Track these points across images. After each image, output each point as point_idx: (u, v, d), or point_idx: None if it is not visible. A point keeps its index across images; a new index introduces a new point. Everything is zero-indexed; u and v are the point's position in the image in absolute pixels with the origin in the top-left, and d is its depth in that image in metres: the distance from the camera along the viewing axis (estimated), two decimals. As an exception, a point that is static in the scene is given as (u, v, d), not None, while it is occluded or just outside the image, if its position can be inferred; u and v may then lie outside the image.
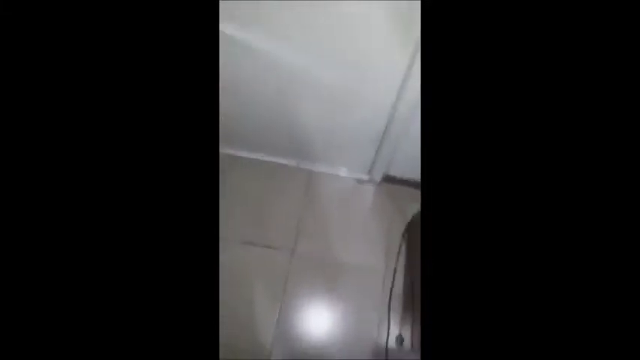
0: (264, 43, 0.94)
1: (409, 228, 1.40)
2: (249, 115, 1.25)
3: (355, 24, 0.84)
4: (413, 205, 1.38)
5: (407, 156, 1.27)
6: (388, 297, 1.32)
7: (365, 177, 1.48)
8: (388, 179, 1.45)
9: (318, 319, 1.31)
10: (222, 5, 0.67)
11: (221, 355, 1.12)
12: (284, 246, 1.39)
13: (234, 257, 1.36)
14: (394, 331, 1.28)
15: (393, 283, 1.34)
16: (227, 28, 0.89)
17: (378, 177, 1.44)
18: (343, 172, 1.50)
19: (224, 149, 1.50)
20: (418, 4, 0.67)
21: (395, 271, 1.36)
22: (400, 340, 1.26)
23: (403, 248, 1.39)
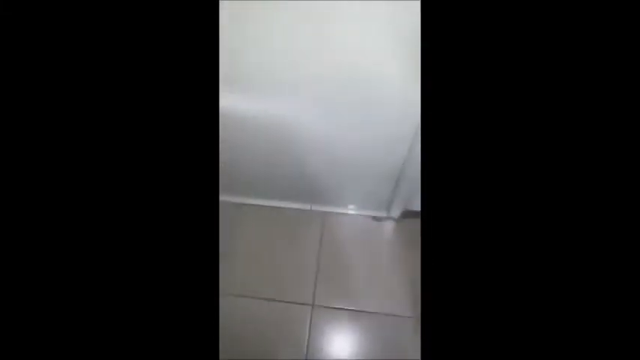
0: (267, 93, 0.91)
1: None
2: (254, 160, 1.20)
3: (368, 67, 0.80)
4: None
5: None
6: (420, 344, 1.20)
7: (383, 214, 1.40)
8: (408, 215, 1.37)
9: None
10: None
11: None
12: (303, 299, 1.29)
13: (251, 314, 1.26)
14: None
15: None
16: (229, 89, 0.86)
17: (396, 213, 1.36)
18: (358, 210, 1.42)
19: (230, 198, 1.44)
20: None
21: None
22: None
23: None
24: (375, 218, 1.41)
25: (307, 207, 1.44)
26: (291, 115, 0.97)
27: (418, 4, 0.63)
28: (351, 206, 1.42)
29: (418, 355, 1.19)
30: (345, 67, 0.81)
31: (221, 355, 0.84)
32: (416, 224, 1.38)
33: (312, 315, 1.27)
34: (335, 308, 1.27)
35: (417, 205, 1.32)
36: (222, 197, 1.44)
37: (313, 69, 0.82)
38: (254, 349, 1.21)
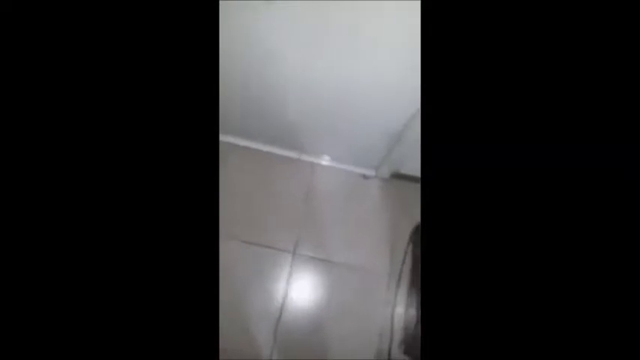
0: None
1: (417, 230, 1.33)
2: (249, 100, 1.13)
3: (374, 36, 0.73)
4: (423, 206, 1.30)
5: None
6: (392, 301, 1.26)
7: (372, 173, 1.39)
8: (398, 176, 1.36)
9: (320, 322, 1.24)
10: None
11: (221, 357, 1.05)
12: (285, 246, 1.30)
13: (231, 256, 1.26)
14: (397, 335, 1.23)
15: (397, 287, 1.28)
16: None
17: (386, 173, 1.35)
18: (348, 165, 1.40)
19: (222, 137, 1.37)
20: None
21: (400, 273, 1.30)
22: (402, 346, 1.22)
23: (410, 251, 1.32)
24: (364, 176, 1.40)
25: (296, 155, 1.40)
26: (284, 49, 0.89)
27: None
28: (340, 160, 1.40)
29: (388, 310, 1.26)
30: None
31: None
32: (403, 187, 1.38)
33: (292, 262, 1.29)
34: (314, 258, 1.30)
35: (407, 169, 1.31)
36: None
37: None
38: (231, 290, 1.23)
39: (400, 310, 1.26)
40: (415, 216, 1.34)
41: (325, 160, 1.40)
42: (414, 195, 1.35)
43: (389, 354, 1.21)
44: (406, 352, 1.21)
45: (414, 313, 1.24)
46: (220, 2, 0.77)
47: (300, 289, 1.27)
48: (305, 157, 1.40)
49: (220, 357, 1.12)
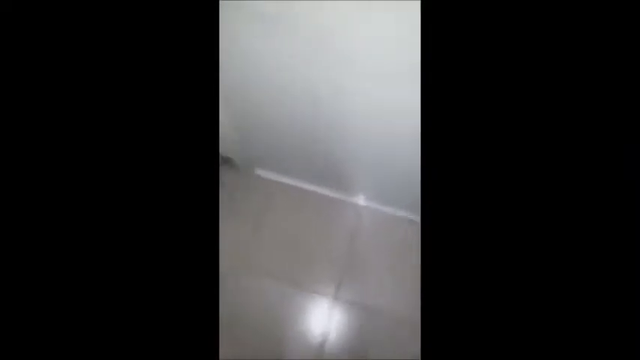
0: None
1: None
2: (297, 138, 1.16)
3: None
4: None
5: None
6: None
7: (418, 218, 1.36)
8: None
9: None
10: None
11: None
12: (326, 290, 1.28)
13: (270, 297, 1.26)
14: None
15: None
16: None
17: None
18: (395, 210, 1.38)
19: (269, 174, 1.43)
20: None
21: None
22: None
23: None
24: (410, 221, 1.37)
25: (344, 197, 1.41)
26: (341, 89, 0.91)
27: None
28: (388, 205, 1.39)
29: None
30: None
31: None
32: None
33: (333, 309, 1.26)
34: (356, 304, 1.26)
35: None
36: (258, 171, 1.43)
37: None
38: (269, 334, 1.22)
39: None
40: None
41: (372, 203, 1.40)
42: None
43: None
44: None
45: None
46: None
47: (339, 336, 1.23)
48: (352, 199, 1.41)
49: None
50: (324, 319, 1.25)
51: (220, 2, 0.67)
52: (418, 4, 0.61)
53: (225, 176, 1.41)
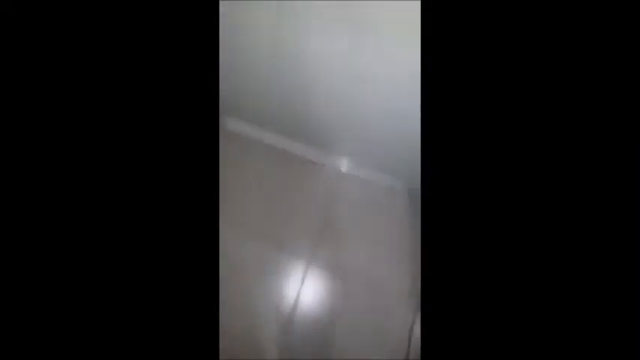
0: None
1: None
2: (275, 92, 1.11)
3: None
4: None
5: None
6: (411, 320, 1.20)
7: (400, 184, 1.34)
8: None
9: (330, 336, 1.20)
10: None
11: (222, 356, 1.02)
12: (301, 251, 1.28)
13: (245, 255, 1.25)
14: (413, 356, 1.16)
15: (418, 305, 1.22)
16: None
17: (414, 186, 1.30)
18: (377, 174, 1.36)
19: (245, 127, 1.38)
20: None
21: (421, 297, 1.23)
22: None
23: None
24: (391, 188, 1.36)
25: (322, 159, 1.38)
26: (322, 48, 0.88)
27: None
28: (368, 168, 1.36)
29: (406, 325, 1.19)
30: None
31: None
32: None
33: (308, 267, 1.26)
34: (330, 266, 1.26)
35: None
36: (234, 124, 1.38)
37: None
38: (240, 290, 1.21)
39: (418, 329, 1.19)
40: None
41: (353, 167, 1.38)
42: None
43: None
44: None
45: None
46: (244, 1, 0.78)
47: (312, 299, 1.24)
48: (332, 161, 1.38)
49: (221, 356, 1.11)
50: (296, 281, 1.26)
51: None
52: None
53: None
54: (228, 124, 1.39)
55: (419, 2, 0.65)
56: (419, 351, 1.17)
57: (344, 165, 1.38)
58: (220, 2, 0.85)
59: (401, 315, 1.22)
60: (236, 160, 1.37)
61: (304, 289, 1.24)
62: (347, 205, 1.34)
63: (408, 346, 1.17)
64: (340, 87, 0.99)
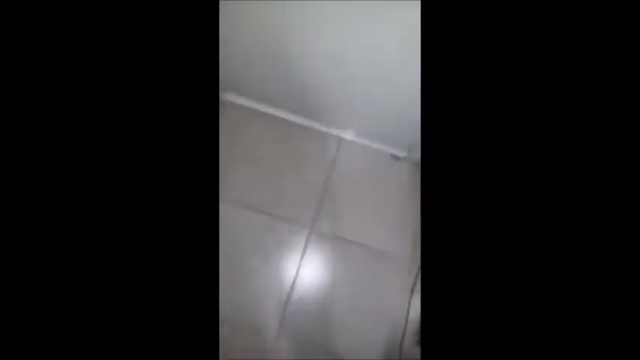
0: None
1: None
2: (272, 65, 1.04)
3: None
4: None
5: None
6: (411, 289, 1.21)
7: (403, 153, 1.30)
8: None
9: (331, 305, 1.21)
10: None
11: (224, 336, 1.04)
12: (303, 220, 1.26)
13: (245, 225, 1.23)
14: (413, 325, 1.18)
15: (418, 274, 1.22)
16: None
17: (418, 157, 1.26)
18: (378, 144, 1.32)
19: (243, 100, 1.32)
20: None
21: (420, 267, 1.23)
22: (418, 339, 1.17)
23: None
24: (393, 156, 1.32)
25: (322, 128, 1.32)
26: (304, 16, 0.80)
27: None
28: (369, 137, 1.31)
29: (405, 296, 1.20)
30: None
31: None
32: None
33: (309, 238, 1.25)
34: (331, 236, 1.25)
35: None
36: (231, 98, 1.31)
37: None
38: (240, 260, 1.21)
39: (418, 299, 1.20)
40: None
41: (353, 135, 1.32)
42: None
43: (401, 343, 1.17)
44: (420, 342, 1.16)
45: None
46: None
47: (313, 268, 1.23)
48: (333, 130, 1.32)
49: (223, 333, 1.12)
50: (299, 248, 1.25)
51: None
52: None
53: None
54: (225, 95, 1.32)
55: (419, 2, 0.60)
56: (418, 320, 1.18)
57: (345, 134, 1.33)
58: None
59: (401, 283, 1.22)
60: (232, 129, 1.31)
61: (305, 261, 1.23)
62: (348, 175, 1.30)
63: (407, 314, 1.18)
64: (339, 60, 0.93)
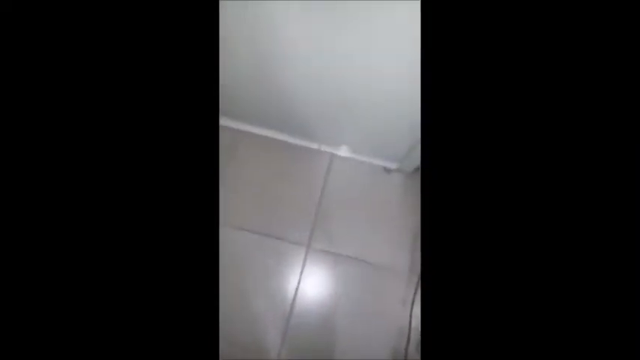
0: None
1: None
2: (263, 88, 1.08)
3: None
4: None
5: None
6: (411, 300, 1.21)
7: (394, 166, 1.33)
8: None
9: (333, 320, 1.21)
10: None
11: (225, 355, 1.03)
12: (299, 239, 1.27)
13: (242, 248, 1.24)
14: (415, 335, 1.18)
15: (417, 285, 1.23)
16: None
17: (409, 167, 1.28)
18: (369, 157, 1.34)
19: (233, 123, 1.35)
20: None
21: (421, 275, 1.24)
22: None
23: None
24: (385, 169, 1.34)
25: (314, 145, 1.35)
26: (298, 36, 0.84)
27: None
28: (361, 152, 1.34)
29: (406, 306, 1.21)
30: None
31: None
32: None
33: (306, 257, 1.26)
34: (329, 252, 1.26)
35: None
36: (222, 121, 1.34)
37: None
38: (239, 284, 1.21)
39: (419, 309, 1.21)
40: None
41: (344, 151, 1.35)
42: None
43: (405, 355, 1.17)
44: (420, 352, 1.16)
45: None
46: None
47: (313, 285, 1.24)
48: (323, 148, 1.35)
49: (226, 353, 1.11)
50: (297, 267, 1.26)
51: None
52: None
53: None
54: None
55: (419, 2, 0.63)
56: (419, 331, 1.18)
57: (338, 150, 1.36)
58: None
59: (401, 295, 1.23)
60: (224, 152, 1.33)
61: (304, 279, 1.24)
62: (342, 190, 1.33)
63: (409, 324, 1.18)
64: (331, 75, 0.96)
